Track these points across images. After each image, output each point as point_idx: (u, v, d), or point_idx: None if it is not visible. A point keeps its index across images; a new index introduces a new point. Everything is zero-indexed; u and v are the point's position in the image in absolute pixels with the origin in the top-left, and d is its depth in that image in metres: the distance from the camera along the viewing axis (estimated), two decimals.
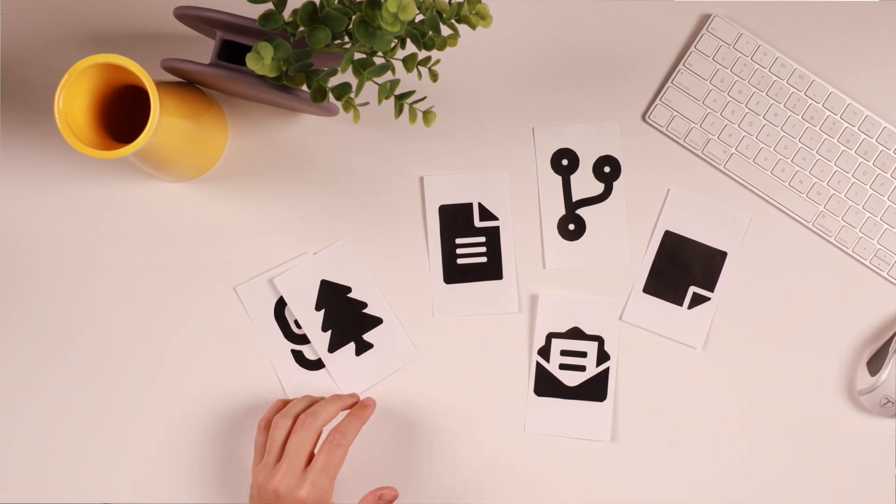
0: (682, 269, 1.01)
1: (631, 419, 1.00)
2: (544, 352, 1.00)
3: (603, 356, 1.00)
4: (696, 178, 1.01)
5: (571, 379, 1.00)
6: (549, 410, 1.00)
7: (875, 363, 0.98)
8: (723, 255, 1.00)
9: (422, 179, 1.01)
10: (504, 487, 1.00)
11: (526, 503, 1.00)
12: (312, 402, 0.96)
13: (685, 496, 1.00)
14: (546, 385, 1.00)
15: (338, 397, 0.97)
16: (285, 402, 0.98)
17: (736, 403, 1.00)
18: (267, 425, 0.96)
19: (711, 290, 1.00)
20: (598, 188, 1.01)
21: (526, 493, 1.00)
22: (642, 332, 1.00)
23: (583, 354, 1.00)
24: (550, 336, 1.00)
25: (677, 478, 1.00)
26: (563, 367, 1.00)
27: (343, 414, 0.97)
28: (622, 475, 1.00)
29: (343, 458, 0.93)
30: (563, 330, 1.00)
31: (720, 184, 1.01)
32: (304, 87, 0.92)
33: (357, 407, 0.97)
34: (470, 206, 1.01)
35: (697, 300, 1.00)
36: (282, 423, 0.93)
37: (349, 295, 1.01)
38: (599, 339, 1.00)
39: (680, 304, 1.00)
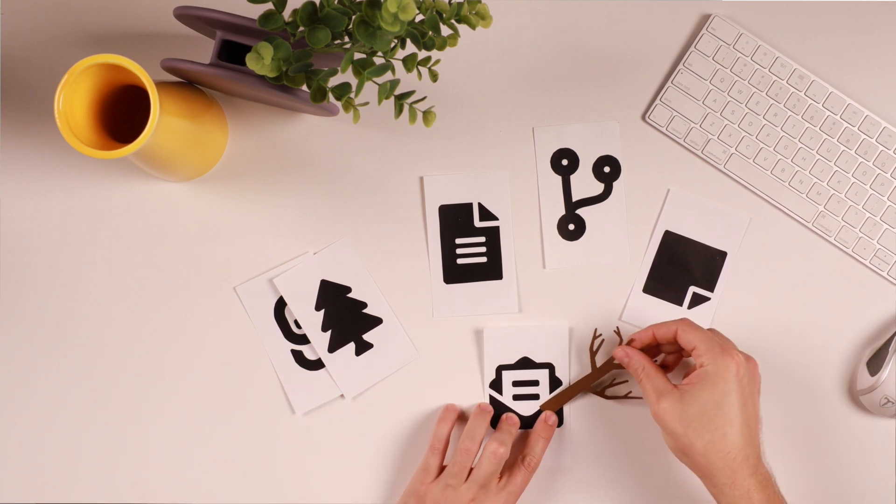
0: (682, 269, 1.00)
1: (631, 421, 1.00)
2: (496, 385, 1.00)
3: (555, 382, 1.00)
4: (696, 178, 1.01)
5: (526, 409, 1.00)
6: None
7: (875, 363, 0.98)
8: (723, 255, 1.00)
9: (422, 179, 1.01)
10: None
11: None
12: (486, 418, 0.98)
13: (684, 496, 1.00)
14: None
15: (516, 420, 0.99)
16: (450, 414, 0.99)
17: None
18: (440, 445, 0.98)
19: (711, 290, 1.00)
20: (598, 188, 1.01)
21: None
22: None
23: (534, 383, 1.00)
24: (500, 368, 1.00)
25: (676, 477, 1.00)
26: (516, 397, 1.00)
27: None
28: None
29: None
30: (512, 361, 1.00)
31: (720, 184, 1.01)
32: (304, 87, 0.92)
33: (544, 427, 0.99)
34: (470, 206, 1.01)
35: (697, 300, 1.00)
36: (472, 448, 0.96)
37: (349, 295, 1.01)
38: (550, 367, 1.00)
39: (680, 303, 1.00)
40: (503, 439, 0.96)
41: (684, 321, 0.93)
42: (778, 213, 1.01)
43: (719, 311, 1.00)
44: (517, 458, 0.98)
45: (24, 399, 1.01)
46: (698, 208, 1.01)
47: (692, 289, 1.00)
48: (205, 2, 0.98)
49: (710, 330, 0.93)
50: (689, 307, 1.00)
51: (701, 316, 1.00)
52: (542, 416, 0.99)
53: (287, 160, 1.02)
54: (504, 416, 1.00)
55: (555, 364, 1.00)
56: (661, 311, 1.00)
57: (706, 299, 1.00)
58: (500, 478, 0.96)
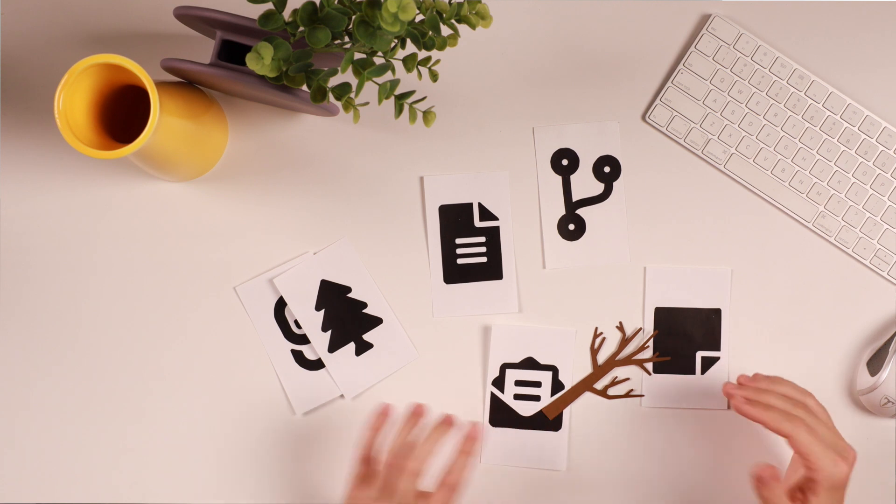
0: (684, 339, 1.00)
1: (632, 421, 1.00)
2: (499, 382, 1.00)
3: (557, 385, 1.00)
4: (696, 178, 1.01)
5: (526, 409, 1.00)
6: (504, 441, 1.00)
7: (875, 363, 0.98)
8: (717, 312, 1.00)
9: (422, 179, 1.01)
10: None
11: None
12: (411, 428, 0.92)
13: (684, 496, 1.00)
14: (501, 415, 1.00)
15: (439, 431, 0.91)
16: (377, 422, 0.93)
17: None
18: (366, 455, 0.92)
19: (717, 348, 1.00)
20: (598, 188, 1.01)
21: None
22: (667, 410, 1.00)
23: (537, 384, 1.00)
24: (505, 366, 1.00)
25: (676, 477, 1.00)
26: (517, 396, 1.00)
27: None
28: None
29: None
30: (517, 360, 1.00)
31: (720, 184, 1.01)
32: (304, 87, 0.92)
33: (464, 441, 0.92)
34: (470, 206, 1.01)
35: (708, 363, 0.99)
36: (404, 465, 0.88)
37: (349, 295, 1.01)
38: (554, 369, 1.00)
39: (692, 372, 1.00)
40: (419, 455, 0.88)
41: (798, 425, 0.86)
42: (778, 213, 1.01)
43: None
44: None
45: (24, 399, 1.01)
46: (678, 276, 1.00)
47: (699, 354, 1.00)
48: (205, 2, 0.98)
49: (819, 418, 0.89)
50: (703, 372, 0.99)
51: (717, 377, 0.99)
52: (467, 430, 0.93)
53: (287, 160, 1.02)
54: (441, 415, 0.92)
55: (559, 367, 1.00)
56: (679, 387, 1.00)
57: (716, 360, 0.99)
58: (422, 496, 0.88)
